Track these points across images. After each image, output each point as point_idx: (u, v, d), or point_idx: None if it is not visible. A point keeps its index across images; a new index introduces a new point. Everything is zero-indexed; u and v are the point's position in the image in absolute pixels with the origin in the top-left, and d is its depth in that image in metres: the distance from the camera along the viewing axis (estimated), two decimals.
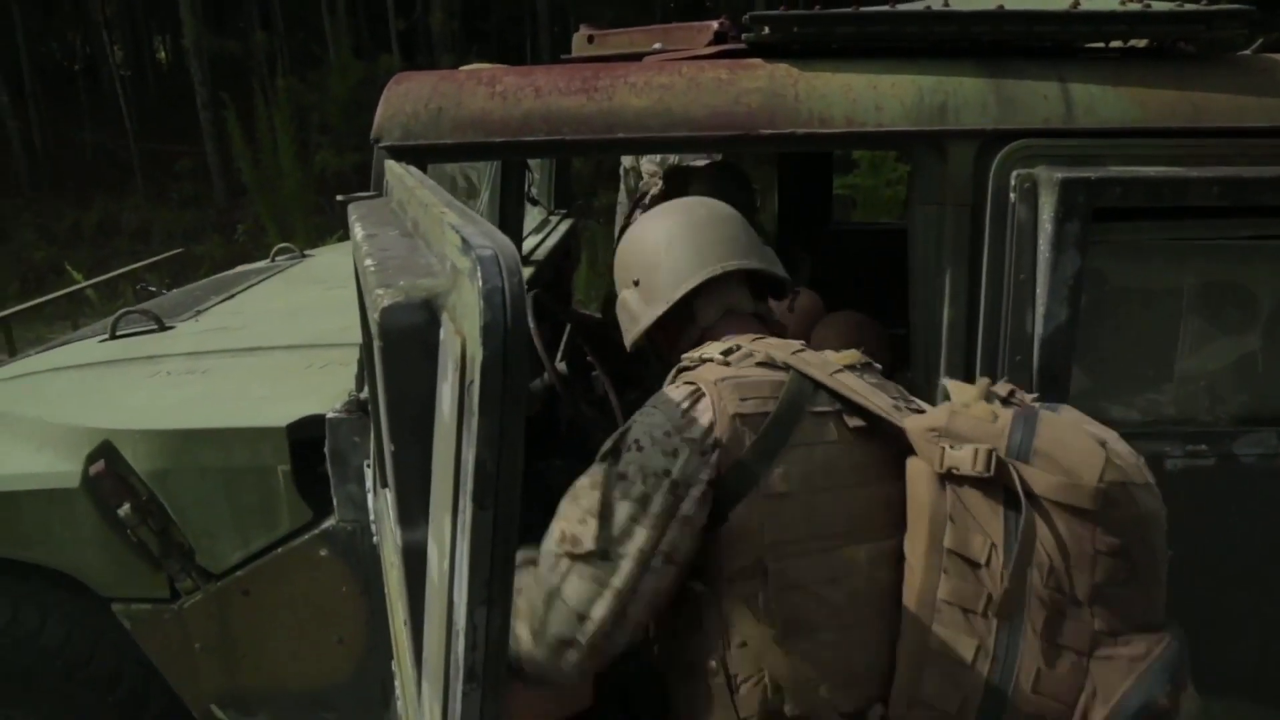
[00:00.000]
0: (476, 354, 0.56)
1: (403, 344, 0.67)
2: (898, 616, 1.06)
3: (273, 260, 3.33)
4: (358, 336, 1.57)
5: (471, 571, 0.56)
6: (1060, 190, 1.37)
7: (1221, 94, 1.46)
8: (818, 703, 1.05)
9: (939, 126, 1.43)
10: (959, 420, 1.06)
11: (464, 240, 0.62)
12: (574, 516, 1.05)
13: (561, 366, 1.84)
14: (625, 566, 1.02)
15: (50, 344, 2.53)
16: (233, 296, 2.67)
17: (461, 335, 0.60)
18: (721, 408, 1.07)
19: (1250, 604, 1.60)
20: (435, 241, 0.79)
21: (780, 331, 1.29)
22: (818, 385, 1.10)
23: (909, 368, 1.56)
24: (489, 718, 0.59)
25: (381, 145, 1.45)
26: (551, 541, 1.06)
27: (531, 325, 1.79)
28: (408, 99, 1.47)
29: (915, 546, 1.05)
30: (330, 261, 3.23)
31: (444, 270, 0.72)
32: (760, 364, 1.13)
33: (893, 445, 1.10)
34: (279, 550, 1.63)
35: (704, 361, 1.16)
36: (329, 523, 1.62)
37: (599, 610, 1.02)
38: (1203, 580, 1.58)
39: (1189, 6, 1.44)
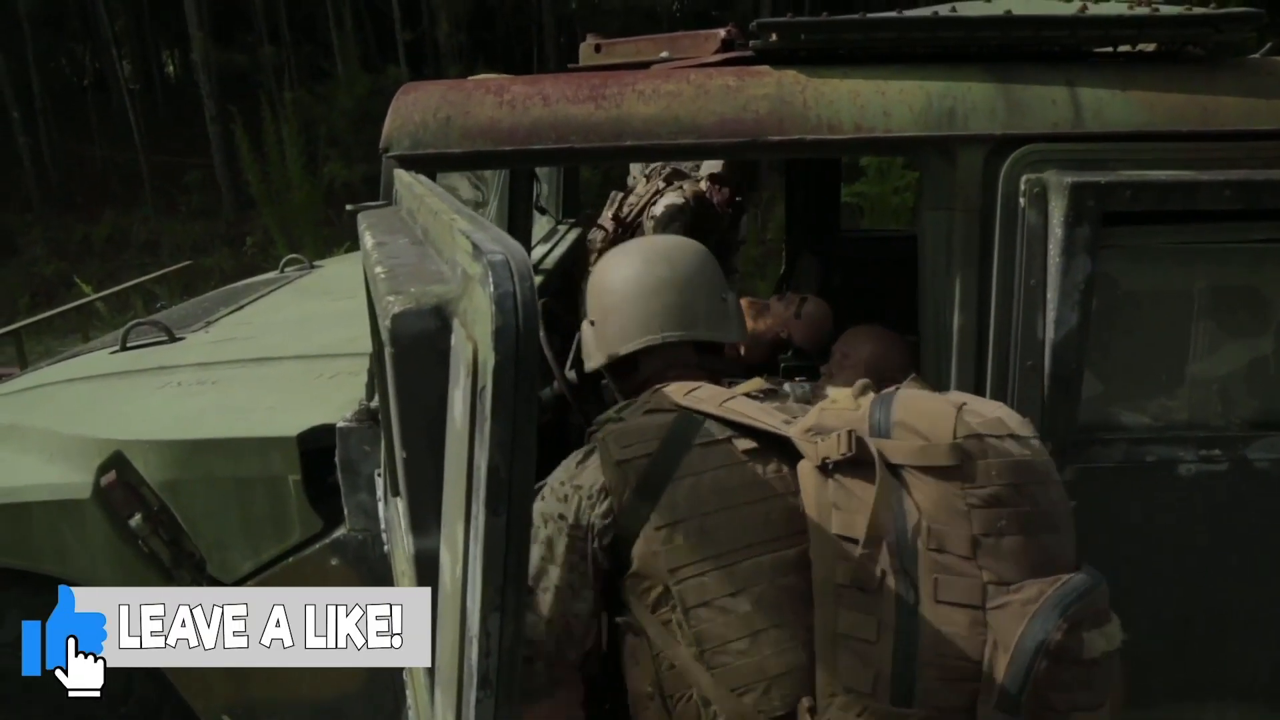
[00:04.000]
0: (488, 359, 0.56)
1: (414, 350, 0.67)
2: (811, 614, 1.11)
3: (281, 271, 3.34)
4: (367, 346, 1.57)
5: (485, 578, 0.56)
6: (1070, 194, 1.36)
7: (1231, 97, 1.46)
8: (744, 710, 1.09)
9: (947, 132, 1.43)
10: (827, 415, 1.15)
11: (475, 245, 0.62)
12: None
13: (571, 375, 1.83)
14: (547, 599, 1.17)
15: (60, 356, 2.54)
16: (242, 308, 2.69)
17: (473, 341, 0.60)
18: (606, 458, 1.18)
19: (1263, 608, 1.58)
20: (446, 248, 0.79)
21: (723, 374, 1.38)
22: (708, 417, 1.19)
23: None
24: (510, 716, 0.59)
25: (390, 155, 1.46)
26: None
27: (541, 334, 1.79)
28: (416, 108, 1.47)
29: (813, 541, 1.11)
30: (339, 272, 3.24)
31: (455, 277, 0.72)
32: (649, 411, 1.24)
33: (792, 459, 1.17)
34: (290, 560, 1.63)
35: (605, 422, 1.27)
36: (340, 532, 1.62)
37: (538, 634, 1.17)
38: (1216, 584, 1.57)
39: (1197, 10, 1.44)
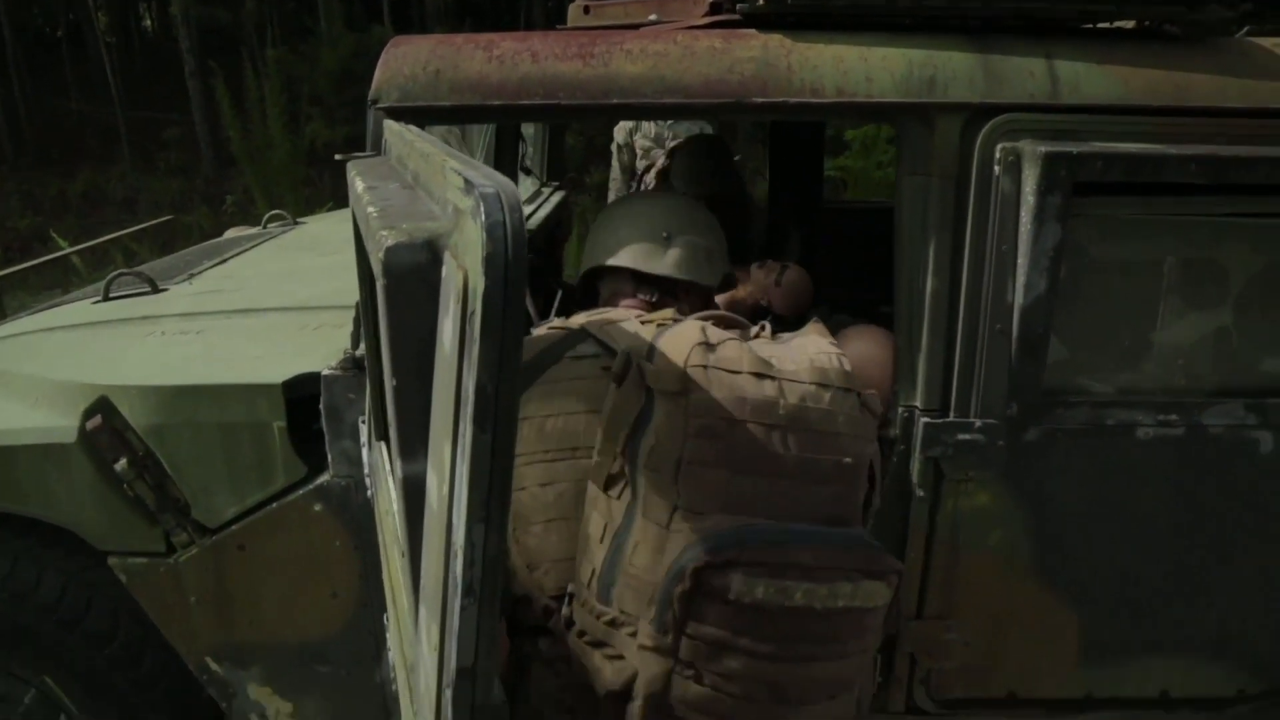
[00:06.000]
0: (479, 285, 0.59)
1: (406, 282, 0.70)
2: None
3: (264, 227, 3.34)
4: (351, 299, 1.60)
5: (471, 491, 0.60)
6: (1043, 164, 1.40)
7: (1203, 75, 1.50)
8: (530, 582, 1.24)
9: (927, 99, 1.46)
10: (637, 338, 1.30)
11: (466, 181, 0.65)
12: None
13: None
14: None
15: (40, 307, 2.54)
16: (225, 261, 2.69)
17: (464, 270, 0.63)
18: None
19: (1212, 567, 1.65)
20: (436, 189, 0.82)
21: (655, 306, 1.53)
22: (589, 335, 1.33)
23: None
24: (486, 631, 0.63)
25: (379, 106, 1.47)
26: None
27: (532, 308, 1.82)
28: (405, 61, 1.48)
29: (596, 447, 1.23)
30: (323, 229, 3.23)
31: (445, 214, 0.75)
32: (554, 328, 1.39)
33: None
34: (274, 505, 1.66)
35: None
36: (323, 478, 1.65)
37: None
38: (1170, 543, 1.64)
39: None
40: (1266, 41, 1.59)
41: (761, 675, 1.14)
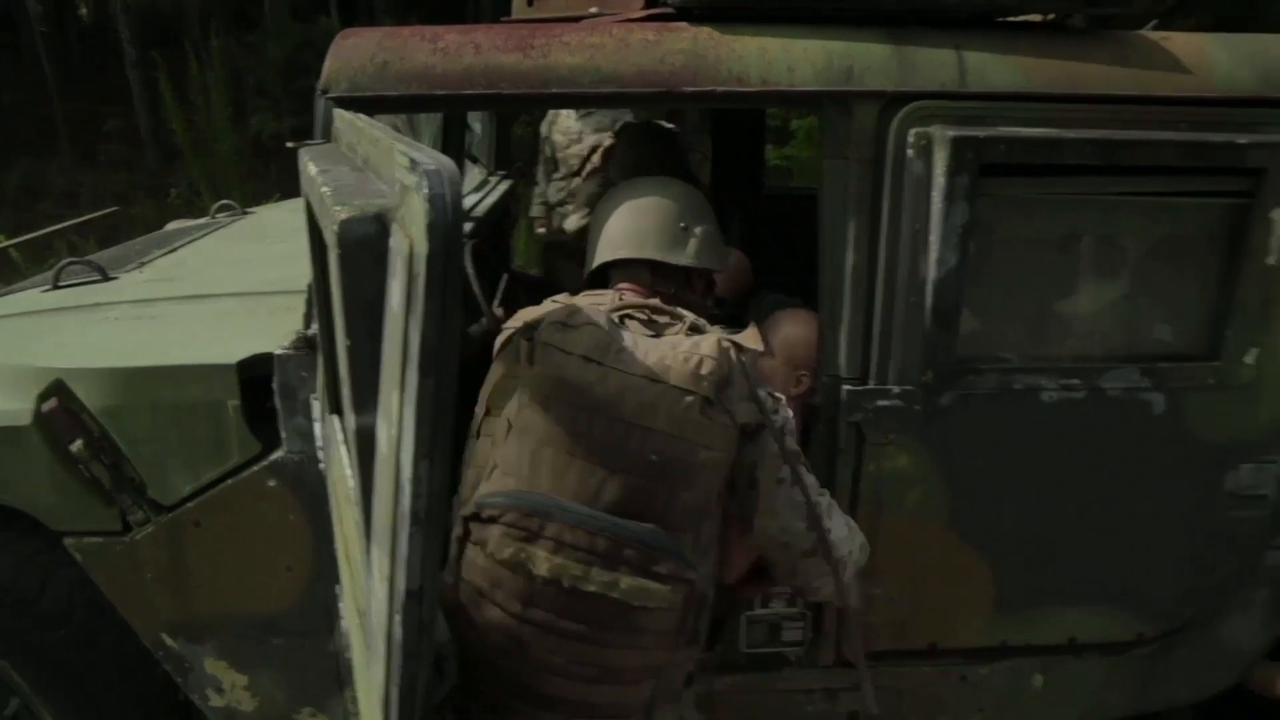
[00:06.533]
0: (422, 250, 0.67)
1: (358, 252, 0.78)
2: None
3: (213, 217, 3.35)
4: (302, 285, 1.66)
5: (416, 430, 0.68)
6: (951, 147, 1.52)
7: (1098, 65, 1.62)
8: (467, 498, 1.39)
9: (845, 88, 1.57)
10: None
11: (411, 160, 0.73)
12: None
13: (499, 312, 1.94)
14: None
15: None
16: (176, 250, 2.71)
17: (410, 239, 0.71)
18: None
19: (1115, 522, 1.80)
20: (384, 170, 0.90)
21: (681, 299, 1.58)
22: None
23: None
24: (430, 555, 0.71)
25: (329, 96, 1.54)
26: None
27: (470, 272, 1.89)
28: (354, 53, 1.55)
29: None
30: (272, 218, 3.26)
31: (393, 192, 0.83)
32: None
33: None
34: (229, 482, 1.71)
35: None
36: (277, 455, 1.70)
37: None
38: (1074, 499, 1.77)
39: None
40: (1167, 33, 1.73)
41: (511, 632, 1.26)
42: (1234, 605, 1.94)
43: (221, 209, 3.39)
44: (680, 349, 1.32)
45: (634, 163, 2.71)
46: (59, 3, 14.33)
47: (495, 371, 1.46)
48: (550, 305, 1.45)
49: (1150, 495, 1.79)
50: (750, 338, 1.44)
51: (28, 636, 1.84)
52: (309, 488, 1.71)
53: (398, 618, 0.76)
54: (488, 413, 1.45)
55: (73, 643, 1.85)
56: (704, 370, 1.29)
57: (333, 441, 1.43)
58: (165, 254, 2.65)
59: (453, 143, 2.56)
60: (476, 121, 3.26)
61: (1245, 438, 1.77)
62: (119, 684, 1.92)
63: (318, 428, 1.63)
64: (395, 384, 0.72)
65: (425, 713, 0.91)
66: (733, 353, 1.33)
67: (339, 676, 1.87)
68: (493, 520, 1.26)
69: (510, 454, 1.31)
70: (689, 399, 1.27)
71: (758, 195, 3.36)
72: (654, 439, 1.26)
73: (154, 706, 1.99)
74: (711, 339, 1.35)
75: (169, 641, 1.84)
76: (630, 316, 1.43)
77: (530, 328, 1.35)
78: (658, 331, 1.40)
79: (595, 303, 1.46)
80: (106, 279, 2.33)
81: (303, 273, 1.52)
